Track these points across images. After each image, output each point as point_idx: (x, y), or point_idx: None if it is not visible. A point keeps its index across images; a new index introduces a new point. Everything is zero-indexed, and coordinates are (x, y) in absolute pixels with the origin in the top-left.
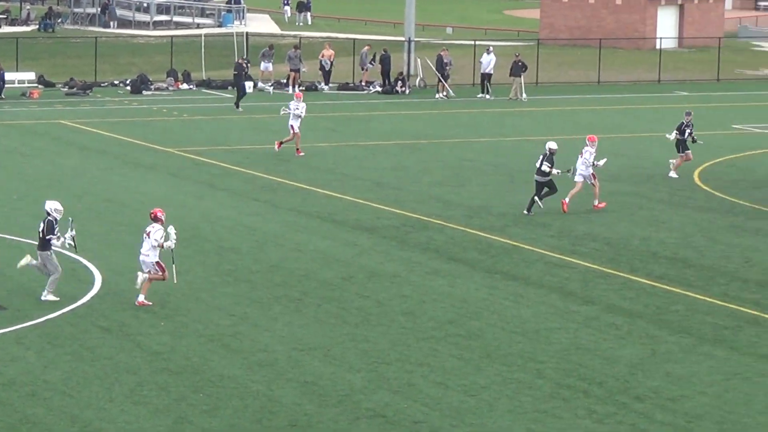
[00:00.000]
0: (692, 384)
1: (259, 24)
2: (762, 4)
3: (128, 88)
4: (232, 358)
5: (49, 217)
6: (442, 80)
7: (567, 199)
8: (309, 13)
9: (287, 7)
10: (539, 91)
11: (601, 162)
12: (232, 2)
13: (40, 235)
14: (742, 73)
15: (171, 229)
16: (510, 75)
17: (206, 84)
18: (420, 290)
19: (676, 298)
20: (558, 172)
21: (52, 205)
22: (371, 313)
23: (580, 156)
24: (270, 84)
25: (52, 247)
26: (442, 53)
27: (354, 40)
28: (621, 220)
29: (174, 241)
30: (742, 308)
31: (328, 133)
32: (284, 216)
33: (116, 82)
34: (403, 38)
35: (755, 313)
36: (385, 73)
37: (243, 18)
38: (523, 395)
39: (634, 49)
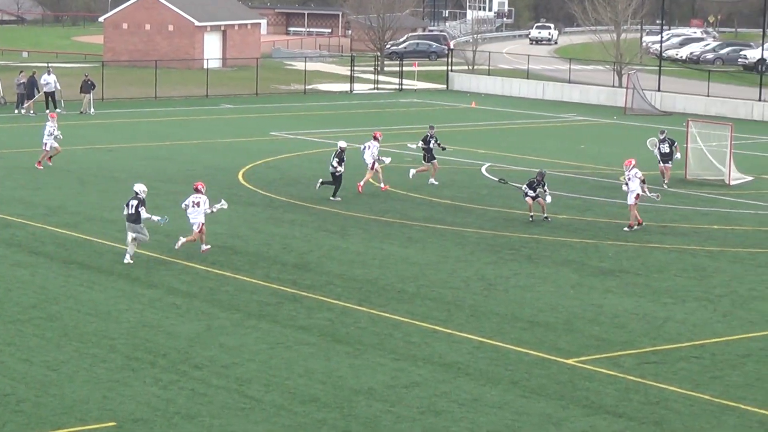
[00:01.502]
0: (242, 353)
1: None
2: (292, 29)
3: None
4: None
5: (138, 196)
6: (29, 100)
7: (361, 183)
8: None
9: None
10: (105, 105)
11: (387, 160)
12: None
13: (133, 211)
14: (277, 89)
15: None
16: (80, 92)
17: None
18: (5, 280)
19: (226, 281)
20: (340, 170)
21: (140, 187)
22: None
23: (366, 149)
24: None
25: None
26: (35, 75)
27: None
28: (176, 215)
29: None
30: (282, 287)
31: None
32: None
33: None
34: None
35: (293, 291)
36: None
37: None
38: (98, 368)
39: (186, 69)
